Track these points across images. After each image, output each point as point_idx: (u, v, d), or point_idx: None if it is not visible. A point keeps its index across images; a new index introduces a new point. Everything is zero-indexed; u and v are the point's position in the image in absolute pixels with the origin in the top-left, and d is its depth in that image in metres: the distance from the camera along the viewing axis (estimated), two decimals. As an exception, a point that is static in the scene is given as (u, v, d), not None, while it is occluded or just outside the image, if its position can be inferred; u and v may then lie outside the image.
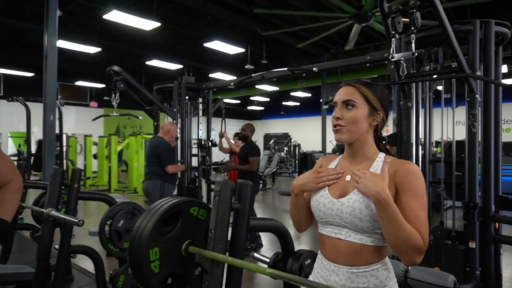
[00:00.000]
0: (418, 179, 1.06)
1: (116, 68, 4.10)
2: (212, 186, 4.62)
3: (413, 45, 1.97)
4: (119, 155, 11.02)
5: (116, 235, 2.49)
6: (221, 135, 5.35)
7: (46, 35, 5.03)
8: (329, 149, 11.69)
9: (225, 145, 5.55)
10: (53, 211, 1.98)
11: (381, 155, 1.17)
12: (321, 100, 10.49)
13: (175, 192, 4.50)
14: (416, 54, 1.90)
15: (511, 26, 2.54)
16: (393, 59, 1.99)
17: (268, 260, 1.55)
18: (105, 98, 15.05)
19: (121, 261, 2.72)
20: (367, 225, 1.07)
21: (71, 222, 1.82)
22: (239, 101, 18.76)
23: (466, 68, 2.17)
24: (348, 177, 1.16)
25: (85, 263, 3.79)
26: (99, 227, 2.45)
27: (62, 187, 2.33)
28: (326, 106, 9.76)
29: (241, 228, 1.37)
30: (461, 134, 2.57)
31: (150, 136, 9.84)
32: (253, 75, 3.72)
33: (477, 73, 2.36)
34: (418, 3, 1.87)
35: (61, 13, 5.65)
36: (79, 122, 15.56)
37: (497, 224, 2.43)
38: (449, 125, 2.78)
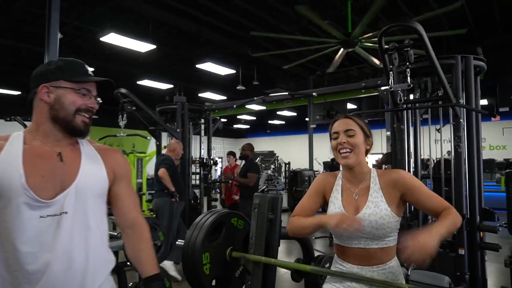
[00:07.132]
0: (411, 178, 1.38)
1: (123, 90, 4.31)
2: (213, 203, 4.82)
3: (408, 78, 2.29)
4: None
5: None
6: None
7: (47, 57, 5.18)
8: (316, 166, 12.02)
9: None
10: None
11: (373, 170, 1.44)
12: (307, 119, 10.88)
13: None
14: (411, 86, 2.22)
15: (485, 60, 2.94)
16: (391, 90, 2.31)
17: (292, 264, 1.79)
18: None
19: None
20: (382, 232, 1.31)
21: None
22: (225, 120, 19.01)
23: (452, 97, 2.51)
24: (355, 195, 1.39)
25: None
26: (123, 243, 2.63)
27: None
28: (314, 125, 10.12)
29: (275, 235, 1.60)
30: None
31: (142, 155, 9.93)
32: (255, 98, 4.00)
33: (460, 100, 2.72)
34: (412, 42, 2.21)
35: (62, 36, 5.84)
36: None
37: (481, 233, 2.75)
38: (434, 144, 3.10)
